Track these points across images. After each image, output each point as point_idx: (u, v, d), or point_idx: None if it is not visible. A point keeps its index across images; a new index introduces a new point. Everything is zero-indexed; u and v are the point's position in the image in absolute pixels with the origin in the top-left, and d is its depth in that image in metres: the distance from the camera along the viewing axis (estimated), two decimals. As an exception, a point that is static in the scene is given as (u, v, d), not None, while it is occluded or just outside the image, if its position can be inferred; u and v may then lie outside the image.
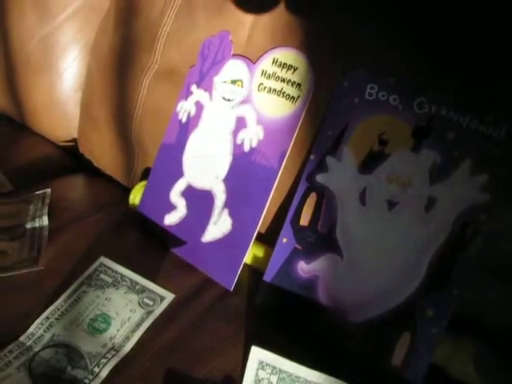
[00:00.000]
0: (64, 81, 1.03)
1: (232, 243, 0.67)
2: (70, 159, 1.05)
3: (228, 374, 0.55)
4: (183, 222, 0.73)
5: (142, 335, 0.59)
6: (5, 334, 0.60)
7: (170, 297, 0.64)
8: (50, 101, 1.05)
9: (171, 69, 0.79)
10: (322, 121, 0.62)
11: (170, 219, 0.74)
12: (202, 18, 0.76)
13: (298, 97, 0.64)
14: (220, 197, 0.69)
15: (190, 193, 0.72)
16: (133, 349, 0.58)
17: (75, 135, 1.04)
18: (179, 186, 0.73)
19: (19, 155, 1.04)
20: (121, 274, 0.66)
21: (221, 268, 0.68)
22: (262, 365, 0.53)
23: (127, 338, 0.59)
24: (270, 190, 0.65)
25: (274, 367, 0.53)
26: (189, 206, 0.72)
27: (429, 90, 0.56)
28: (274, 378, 0.52)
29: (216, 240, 0.69)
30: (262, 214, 0.65)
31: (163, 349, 0.58)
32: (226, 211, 0.69)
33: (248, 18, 0.71)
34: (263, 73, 0.67)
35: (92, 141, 0.97)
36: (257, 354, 0.53)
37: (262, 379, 0.52)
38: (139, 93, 0.83)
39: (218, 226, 0.69)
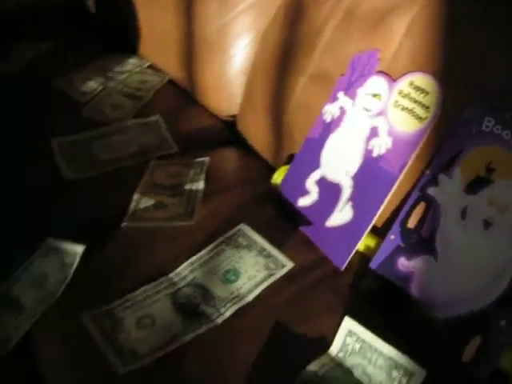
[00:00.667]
0: (233, 64, 1.19)
1: (350, 231, 0.80)
2: (229, 133, 1.21)
3: (323, 335, 0.68)
4: (313, 206, 0.86)
5: (261, 291, 0.74)
6: (159, 271, 0.78)
7: (290, 265, 0.78)
8: (219, 80, 1.22)
9: (324, 74, 0.91)
10: (442, 143, 0.72)
11: (303, 202, 0.88)
12: (357, 33, 0.87)
13: (426, 118, 0.74)
14: (347, 190, 0.82)
15: (322, 182, 0.86)
16: (253, 301, 0.73)
17: (236, 112, 1.20)
18: (315, 175, 0.87)
19: (186, 123, 1.22)
20: (254, 240, 0.81)
21: (337, 250, 0.81)
22: (350, 333, 0.66)
23: (250, 291, 0.74)
24: (388, 192, 0.76)
25: (359, 337, 0.65)
26: (320, 193, 0.86)
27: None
28: (357, 345, 0.65)
29: (337, 226, 0.82)
30: (378, 210, 0.77)
31: (276, 306, 0.73)
32: (349, 203, 0.81)
33: (396, 40, 0.81)
34: (400, 92, 0.78)
35: (249, 121, 1.12)
36: (348, 323, 0.66)
37: (348, 344, 0.65)
38: (294, 89, 0.97)
39: (342, 214, 0.82)
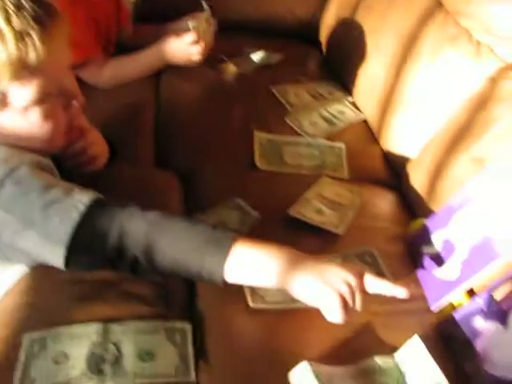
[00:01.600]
0: (418, 125, 1.41)
1: (451, 285, 1.00)
2: (396, 180, 1.43)
3: (395, 344, 0.90)
4: (434, 256, 1.07)
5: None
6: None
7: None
8: (401, 136, 1.44)
9: (485, 157, 1.11)
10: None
11: (427, 250, 1.09)
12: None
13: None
14: (463, 255, 1.01)
15: (446, 241, 1.06)
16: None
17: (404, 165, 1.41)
18: (443, 233, 1.07)
19: (363, 159, 1.47)
20: (378, 263, 1.04)
21: (435, 295, 1.01)
22: (415, 348, 0.86)
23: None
24: (491, 267, 0.95)
25: (420, 354, 0.86)
26: (442, 249, 1.06)
27: None
28: (416, 360, 0.86)
29: (443, 279, 1.02)
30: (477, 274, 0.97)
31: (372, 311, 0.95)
32: (460, 266, 1.01)
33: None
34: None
35: (413, 175, 1.34)
36: (417, 340, 0.87)
37: (410, 356, 0.86)
38: (456, 164, 1.17)
39: (450, 271, 1.02)
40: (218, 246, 0.80)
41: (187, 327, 0.90)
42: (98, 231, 0.79)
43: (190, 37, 1.49)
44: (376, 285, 0.84)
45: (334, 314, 0.80)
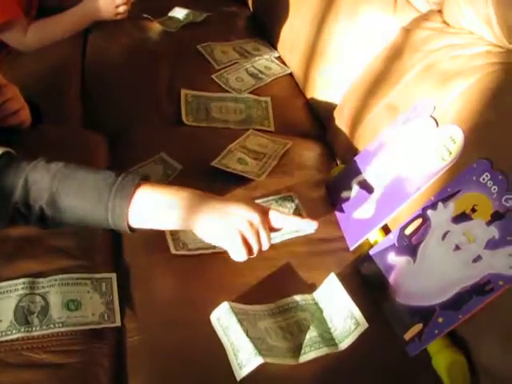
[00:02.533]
0: (340, 76, 1.44)
1: (367, 224, 1.05)
2: (320, 129, 1.47)
3: (313, 283, 0.95)
4: (350, 199, 1.12)
5: (287, 240, 1.01)
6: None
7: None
8: (326, 84, 1.48)
9: (395, 106, 1.15)
10: (449, 181, 0.95)
11: (344, 194, 1.14)
12: (429, 82, 1.11)
13: (446, 160, 0.98)
14: (376, 194, 1.07)
15: (362, 184, 1.11)
16: (281, 244, 1.00)
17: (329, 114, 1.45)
18: (360, 177, 1.12)
19: (289, 111, 1.50)
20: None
21: (353, 235, 1.06)
22: (330, 285, 0.91)
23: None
24: (401, 205, 1.01)
25: (335, 289, 0.91)
26: (358, 191, 1.11)
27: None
28: (331, 295, 0.91)
29: (360, 218, 1.07)
30: (390, 215, 1.02)
31: (293, 252, 0.99)
32: (374, 204, 1.06)
33: (451, 96, 1.04)
34: (439, 136, 1.02)
35: (336, 124, 1.38)
36: (332, 278, 0.92)
37: (326, 292, 0.91)
38: (372, 110, 1.22)
39: (365, 210, 1.07)
40: (121, 191, 0.80)
41: (112, 276, 0.93)
42: (3, 184, 0.80)
43: None
44: (282, 220, 0.87)
45: (237, 253, 0.83)
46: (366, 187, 1.09)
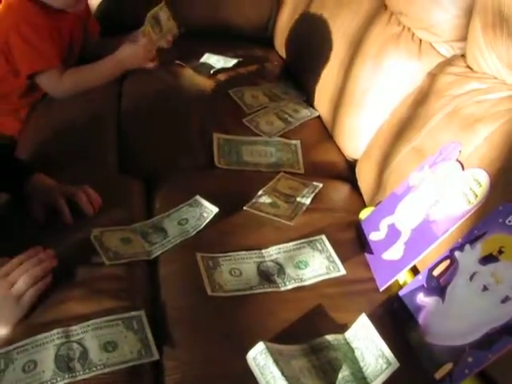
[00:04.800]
0: (367, 121, 1.48)
1: (397, 265, 1.08)
2: (348, 171, 1.51)
3: (345, 323, 0.97)
4: (379, 241, 1.15)
5: (317, 282, 1.05)
6: (256, 245, 1.11)
7: (343, 272, 1.08)
8: (353, 129, 1.53)
9: (422, 149, 1.20)
10: (476, 223, 0.99)
11: (374, 236, 1.17)
12: (455, 127, 1.15)
13: (472, 203, 1.01)
14: (404, 237, 1.10)
15: (391, 227, 1.14)
16: (309, 285, 1.04)
17: (358, 157, 1.50)
18: (388, 220, 1.16)
19: (318, 153, 1.55)
20: (327, 248, 1.13)
21: (383, 275, 1.09)
22: (362, 326, 0.94)
23: (310, 279, 1.05)
24: (430, 246, 1.04)
25: (367, 331, 0.93)
26: (387, 234, 1.14)
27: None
28: (363, 336, 0.93)
29: (389, 259, 1.10)
30: (419, 256, 1.05)
31: (322, 294, 1.03)
32: (403, 246, 1.09)
33: (477, 141, 1.08)
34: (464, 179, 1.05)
35: (364, 167, 1.42)
36: (364, 319, 0.95)
37: (358, 333, 0.94)
38: (399, 154, 1.26)
39: (395, 252, 1.10)
40: None
41: (141, 313, 0.97)
42: None
43: (140, 39, 1.58)
44: None
45: None
46: (395, 229, 1.12)
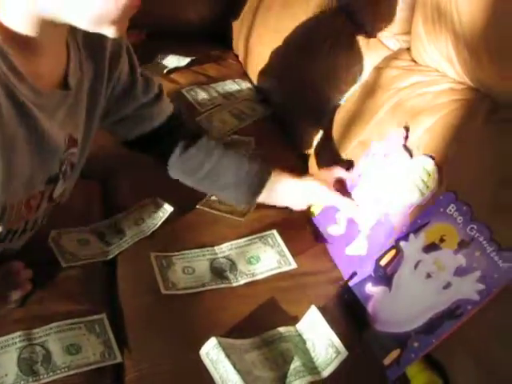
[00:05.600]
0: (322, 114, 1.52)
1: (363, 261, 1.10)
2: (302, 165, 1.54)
3: (296, 315, 1.00)
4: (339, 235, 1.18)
5: (268, 276, 1.08)
6: (209, 243, 1.13)
7: (294, 266, 1.10)
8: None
9: (368, 140, 1.22)
10: (420, 213, 1.02)
11: (332, 230, 1.19)
12: (399, 118, 1.18)
13: (425, 194, 1.04)
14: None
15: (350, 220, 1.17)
16: (261, 280, 1.06)
17: (312, 146, 1.52)
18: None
19: (268, 149, 1.56)
20: (278, 243, 1.15)
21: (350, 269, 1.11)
22: (312, 317, 0.97)
23: (261, 273, 1.08)
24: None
25: (316, 321, 0.96)
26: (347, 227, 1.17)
27: (479, 223, 0.92)
28: (314, 326, 0.96)
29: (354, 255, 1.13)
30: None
31: (273, 287, 1.05)
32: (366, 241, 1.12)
33: (420, 131, 1.11)
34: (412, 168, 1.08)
35: (318, 151, 1.45)
36: (313, 310, 0.98)
37: (309, 323, 0.97)
38: (348, 147, 1.29)
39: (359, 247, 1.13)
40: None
41: (103, 317, 0.98)
42: None
43: None
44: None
45: None
46: (354, 224, 1.14)
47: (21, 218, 0.89)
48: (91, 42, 0.90)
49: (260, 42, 1.80)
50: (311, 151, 1.48)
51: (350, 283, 1.07)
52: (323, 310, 0.99)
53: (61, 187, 0.93)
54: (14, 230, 0.91)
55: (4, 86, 0.72)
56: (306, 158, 1.52)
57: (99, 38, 0.85)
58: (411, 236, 1.01)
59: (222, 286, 1.05)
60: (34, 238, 1.05)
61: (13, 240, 0.93)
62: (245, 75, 1.88)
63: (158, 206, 1.19)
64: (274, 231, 1.17)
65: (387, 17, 1.41)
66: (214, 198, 1.25)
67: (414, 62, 1.30)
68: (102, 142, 1.44)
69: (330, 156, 1.34)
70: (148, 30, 1.98)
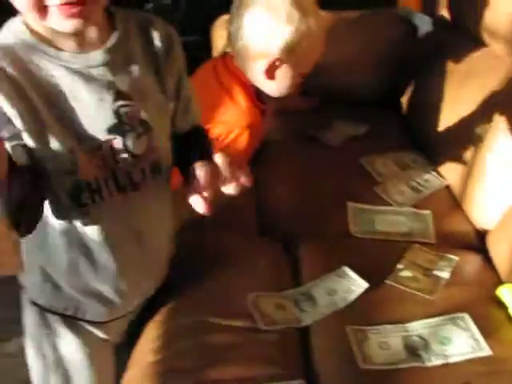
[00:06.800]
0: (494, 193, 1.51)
1: None
2: (478, 242, 1.54)
3: None
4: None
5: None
6: (400, 319, 1.16)
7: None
8: (480, 200, 1.55)
9: None
10: None
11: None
12: None
13: None
14: None
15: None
16: (456, 365, 1.08)
17: (490, 228, 1.52)
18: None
19: (449, 223, 1.58)
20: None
21: None
22: None
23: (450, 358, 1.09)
24: None
25: None
26: None
27: None
28: None
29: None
30: None
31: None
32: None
33: None
34: None
35: (499, 241, 1.44)
36: None
37: None
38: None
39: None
40: None
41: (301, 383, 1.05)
42: None
43: None
44: None
45: None
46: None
47: (99, 168, 0.94)
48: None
49: (436, 112, 1.83)
50: (494, 227, 1.47)
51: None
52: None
53: (136, 141, 0.95)
54: (103, 179, 0.95)
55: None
56: (484, 233, 1.52)
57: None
58: None
59: (415, 364, 1.08)
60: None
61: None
62: (417, 144, 1.92)
63: (351, 280, 1.25)
64: (466, 315, 1.18)
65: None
66: (402, 274, 1.29)
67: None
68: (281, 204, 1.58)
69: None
70: (321, 98, 2.08)
